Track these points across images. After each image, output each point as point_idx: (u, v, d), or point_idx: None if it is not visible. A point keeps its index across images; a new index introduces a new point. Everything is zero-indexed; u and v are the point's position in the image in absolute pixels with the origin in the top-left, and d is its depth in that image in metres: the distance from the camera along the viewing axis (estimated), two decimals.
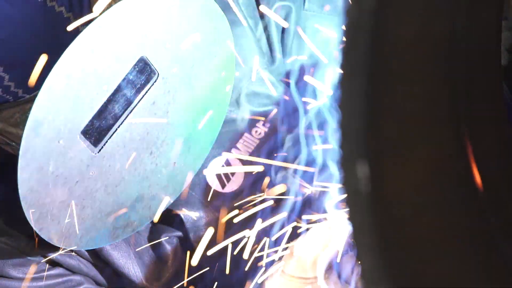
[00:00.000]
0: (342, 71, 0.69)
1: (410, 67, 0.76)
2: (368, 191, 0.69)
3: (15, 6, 1.36)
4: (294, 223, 1.48)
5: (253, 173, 1.62)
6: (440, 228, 0.78)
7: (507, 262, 0.83)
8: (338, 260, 1.30)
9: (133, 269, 1.65)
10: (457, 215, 0.81)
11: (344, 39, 0.69)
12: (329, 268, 1.31)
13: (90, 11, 1.32)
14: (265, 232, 1.49)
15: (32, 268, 1.61)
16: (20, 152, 1.26)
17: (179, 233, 1.69)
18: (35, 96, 1.26)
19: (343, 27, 0.69)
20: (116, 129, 1.39)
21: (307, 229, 1.40)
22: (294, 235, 1.44)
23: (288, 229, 1.46)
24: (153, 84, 1.41)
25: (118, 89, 1.36)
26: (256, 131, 1.72)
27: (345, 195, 0.70)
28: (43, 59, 1.31)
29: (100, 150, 1.38)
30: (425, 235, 0.77)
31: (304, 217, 1.44)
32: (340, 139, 0.70)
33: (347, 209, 0.70)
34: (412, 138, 0.77)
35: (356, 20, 0.68)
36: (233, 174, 1.70)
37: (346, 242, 1.30)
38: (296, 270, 1.33)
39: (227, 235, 1.55)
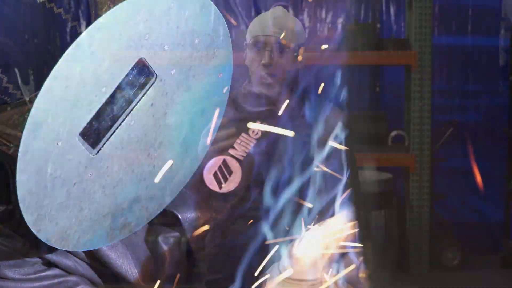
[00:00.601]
0: None
1: None
2: None
3: (13, 8, 1.36)
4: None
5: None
6: None
7: None
8: (338, 262, 1.30)
9: (130, 270, 1.65)
10: None
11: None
12: (329, 270, 1.31)
13: (89, 12, 1.32)
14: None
15: (29, 269, 1.60)
16: (19, 154, 1.26)
17: (176, 234, 1.69)
18: (34, 98, 1.25)
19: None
20: (114, 131, 1.39)
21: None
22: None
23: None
24: (151, 85, 1.41)
25: (116, 91, 1.36)
26: (253, 131, 1.73)
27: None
28: (42, 61, 1.31)
29: (98, 152, 1.38)
30: None
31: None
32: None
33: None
34: None
35: None
36: (230, 174, 1.70)
37: (346, 242, 1.30)
38: (295, 273, 1.32)
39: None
